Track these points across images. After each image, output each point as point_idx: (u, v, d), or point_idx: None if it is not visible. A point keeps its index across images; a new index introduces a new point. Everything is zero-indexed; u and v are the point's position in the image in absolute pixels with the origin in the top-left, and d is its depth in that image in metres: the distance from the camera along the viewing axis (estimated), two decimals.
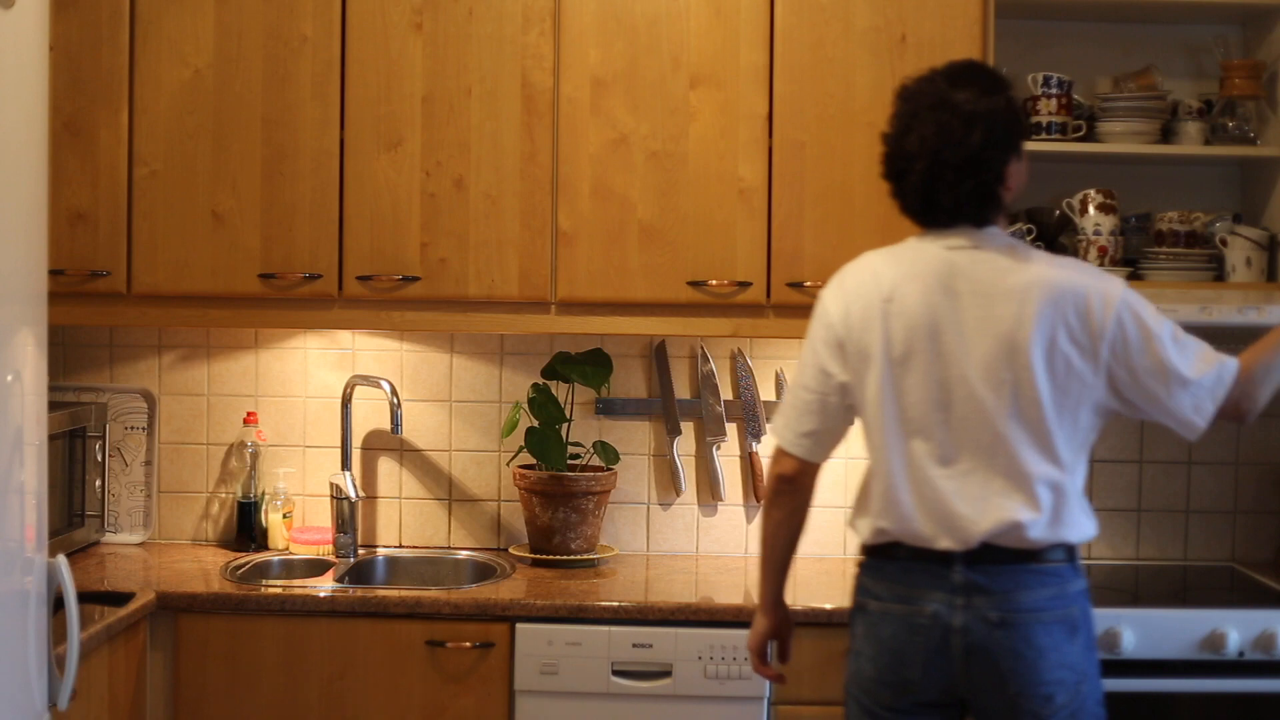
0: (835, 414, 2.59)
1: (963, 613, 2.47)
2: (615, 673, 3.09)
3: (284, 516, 3.61)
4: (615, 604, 3.11)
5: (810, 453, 2.61)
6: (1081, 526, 2.51)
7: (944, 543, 2.48)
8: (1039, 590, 2.47)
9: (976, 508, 2.46)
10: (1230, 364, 2.51)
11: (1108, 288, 2.51)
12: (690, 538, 3.68)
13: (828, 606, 3.10)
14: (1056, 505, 2.47)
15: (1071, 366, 2.47)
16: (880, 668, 2.53)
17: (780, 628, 2.74)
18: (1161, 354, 2.48)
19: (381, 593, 3.18)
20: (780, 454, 2.63)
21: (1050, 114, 3.40)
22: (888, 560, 2.55)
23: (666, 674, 3.08)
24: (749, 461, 3.66)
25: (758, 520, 3.67)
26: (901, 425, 2.51)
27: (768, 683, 3.06)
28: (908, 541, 2.51)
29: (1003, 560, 2.47)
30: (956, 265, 2.52)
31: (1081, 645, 2.50)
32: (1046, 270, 2.51)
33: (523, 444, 3.52)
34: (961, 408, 2.47)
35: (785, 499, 2.66)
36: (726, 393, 3.67)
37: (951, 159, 2.50)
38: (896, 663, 2.51)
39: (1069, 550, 2.51)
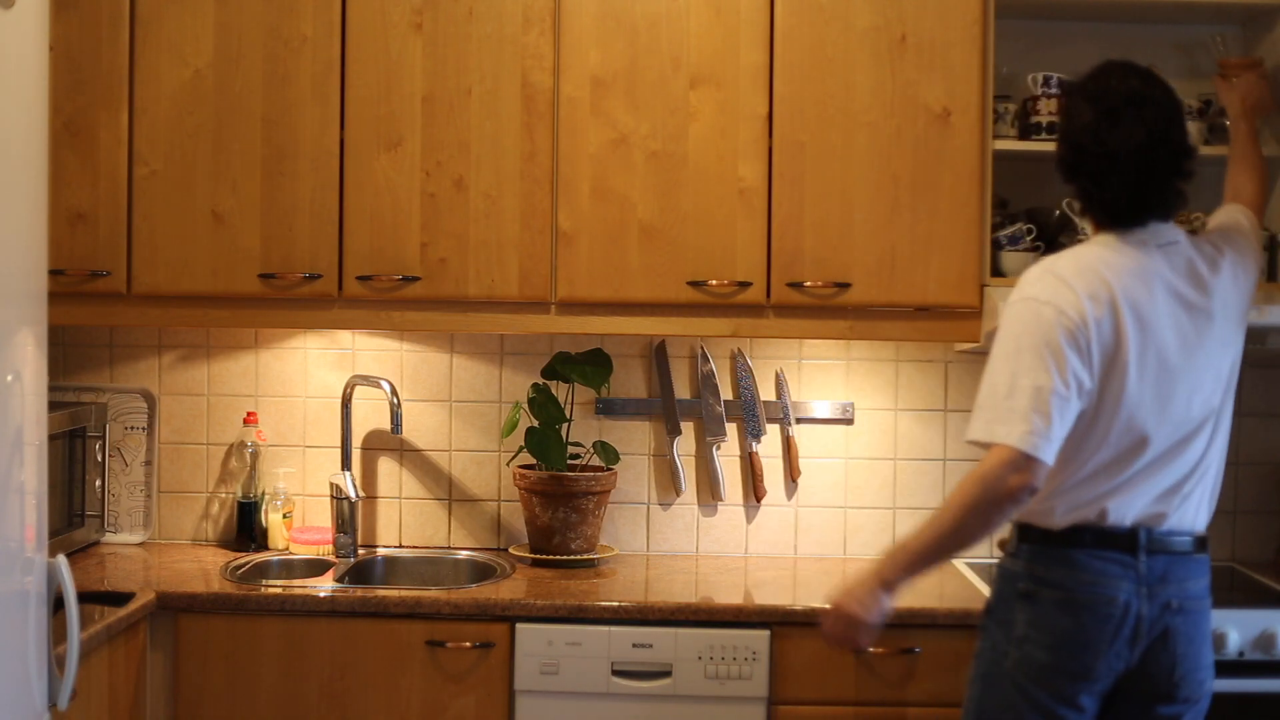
0: (1075, 415, 2.49)
1: (1147, 601, 2.52)
2: (615, 673, 3.09)
3: (284, 516, 3.61)
4: (615, 604, 3.11)
5: (1051, 457, 2.46)
6: (1211, 515, 2.63)
7: (1137, 529, 2.53)
8: (1201, 579, 2.58)
9: (1167, 499, 2.54)
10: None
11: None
12: (690, 538, 3.68)
13: (828, 606, 3.09)
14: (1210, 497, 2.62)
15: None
16: (1059, 655, 2.52)
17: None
18: None
19: (381, 593, 3.18)
20: (1026, 461, 2.42)
21: (1050, 114, 3.39)
22: (1071, 548, 2.53)
23: (666, 674, 3.08)
24: (749, 461, 3.66)
25: (758, 520, 3.68)
26: (1144, 417, 2.51)
27: (768, 683, 3.06)
28: (1106, 527, 2.52)
29: (1176, 550, 2.54)
30: (1170, 262, 2.57)
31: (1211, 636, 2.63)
32: (1222, 269, 2.63)
33: (523, 444, 3.52)
34: (1179, 402, 2.53)
35: (1018, 509, 2.50)
36: (726, 393, 3.67)
37: (1163, 155, 2.54)
38: (1079, 649, 2.52)
39: (1204, 541, 2.61)
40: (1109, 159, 2.53)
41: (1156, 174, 2.54)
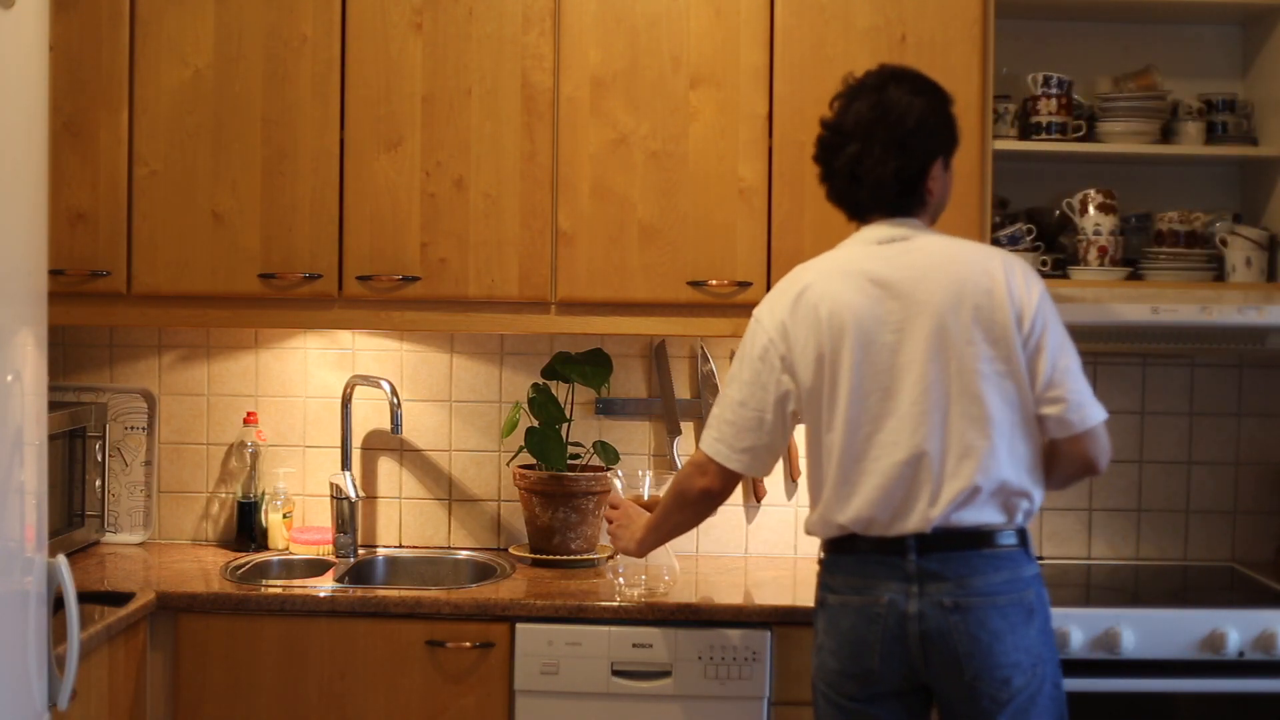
0: (775, 429, 2.64)
1: (918, 600, 2.52)
2: (615, 673, 3.09)
3: (284, 516, 3.61)
4: (615, 604, 3.11)
5: (748, 467, 2.69)
6: (1020, 509, 2.56)
7: (899, 530, 2.53)
8: (991, 575, 2.52)
9: (931, 498, 2.53)
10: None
11: (1019, 270, 2.63)
12: (690, 538, 3.68)
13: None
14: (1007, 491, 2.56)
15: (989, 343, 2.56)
16: (842, 659, 2.58)
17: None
18: (1053, 358, 2.58)
19: (381, 593, 3.18)
20: (711, 466, 2.70)
21: (1050, 114, 3.40)
22: (845, 554, 2.61)
23: (666, 674, 3.08)
24: None
25: (758, 520, 3.68)
26: (856, 421, 2.54)
27: (768, 683, 3.06)
28: (864, 533, 2.57)
29: (956, 545, 2.52)
30: (883, 259, 2.60)
31: (1038, 629, 2.54)
32: (963, 256, 2.60)
33: (523, 444, 3.52)
34: (907, 395, 2.52)
35: (705, 510, 2.83)
36: None
37: (880, 138, 2.59)
38: (857, 653, 2.56)
39: (1020, 534, 2.57)
40: (840, 136, 2.65)
41: (872, 155, 2.60)
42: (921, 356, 2.53)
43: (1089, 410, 2.56)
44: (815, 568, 3.53)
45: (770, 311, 2.65)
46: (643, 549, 2.95)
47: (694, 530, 3.67)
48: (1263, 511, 3.67)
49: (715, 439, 2.69)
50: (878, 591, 2.54)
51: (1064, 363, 2.56)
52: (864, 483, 2.55)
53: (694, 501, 2.78)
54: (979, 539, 2.53)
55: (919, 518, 2.53)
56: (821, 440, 2.60)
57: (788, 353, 2.60)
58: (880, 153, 2.61)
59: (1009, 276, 2.57)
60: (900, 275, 2.57)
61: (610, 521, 3.06)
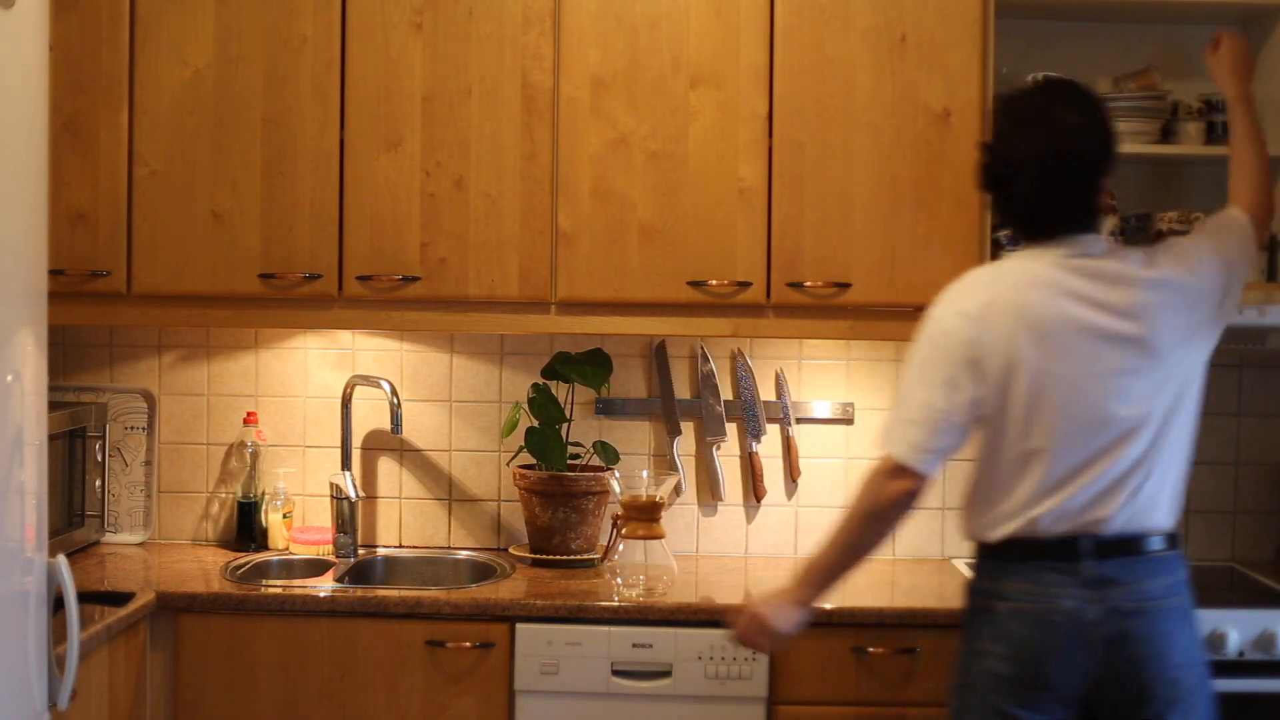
0: (961, 431, 2.58)
1: (1097, 605, 2.52)
2: (615, 673, 3.09)
3: (284, 516, 3.61)
4: (615, 604, 3.11)
5: (932, 469, 2.58)
6: (1176, 514, 2.62)
7: (1076, 533, 2.54)
8: (1163, 578, 2.56)
9: (1106, 502, 2.54)
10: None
11: None
12: (690, 538, 3.68)
13: (828, 606, 3.10)
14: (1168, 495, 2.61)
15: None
16: (1015, 666, 2.54)
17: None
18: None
19: (381, 593, 3.18)
20: (902, 471, 2.56)
21: None
22: (1017, 560, 2.57)
23: (666, 674, 3.08)
24: (749, 461, 3.66)
25: (758, 520, 3.68)
26: (1048, 426, 2.53)
27: (768, 683, 3.06)
28: (1044, 536, 2.55)
29: (1130, 551, 2.55)
30: (1082, 272, 2.57)
31: (1194, 629, 2.60)
32: (1152, 272, 2.60)
33: (523, 444, 3.52)
34: (1093, 408, 2.53)
35: (902, 515, 2.61)
36: (726, 393, 3.67)
37: (1063, 167, 2.57)
38: (1033, 660, 2.53)
39: (1173, 539, 2.61)
40: (1012, 168, 2.60)
41: (1058, 186, 2.58)
42: (1122, 366, 2.54)
43: None
44: None
45: (961, 315, 2.58)
46: (807, 600, 2.69)
47: (694, 530, 3.69)
48: (1263, 511, 3.67)
49: (903, 440, 2.57)
50: (1056, 598, 2.53)
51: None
52: (1056, 490, 2.54)
53: (889, 510, 2.59)
54: (1149, 543, 2.57)
55: (1099, 523, 2.54)
56: (1011, 446, 2.56)
57: (982, 357, 2.54)
58: (1062, 185, 2.58)
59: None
60: (1093, 287, 2.56)
61: (743, 630, 2.72)
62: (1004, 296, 2.56)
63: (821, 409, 3.67)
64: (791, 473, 3.66)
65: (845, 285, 3.28)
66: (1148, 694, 2.52)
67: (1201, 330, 2.62)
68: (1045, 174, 2.57)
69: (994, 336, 2.53)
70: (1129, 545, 2.54)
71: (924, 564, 3.62)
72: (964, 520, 2.69)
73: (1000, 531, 2.58)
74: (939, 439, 2.55)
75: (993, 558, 2.62)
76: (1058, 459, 2.53)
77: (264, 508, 3.62)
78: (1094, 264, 2.58)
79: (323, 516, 3.65)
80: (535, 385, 3.57)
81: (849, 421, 3.67)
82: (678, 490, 3.66)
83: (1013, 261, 2.67)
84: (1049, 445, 2.53)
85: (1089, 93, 2.66)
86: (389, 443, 3.68)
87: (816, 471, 3.68)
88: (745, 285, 3.28)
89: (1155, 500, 2.56)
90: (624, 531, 3.24)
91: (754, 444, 3.66)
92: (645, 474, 3.34)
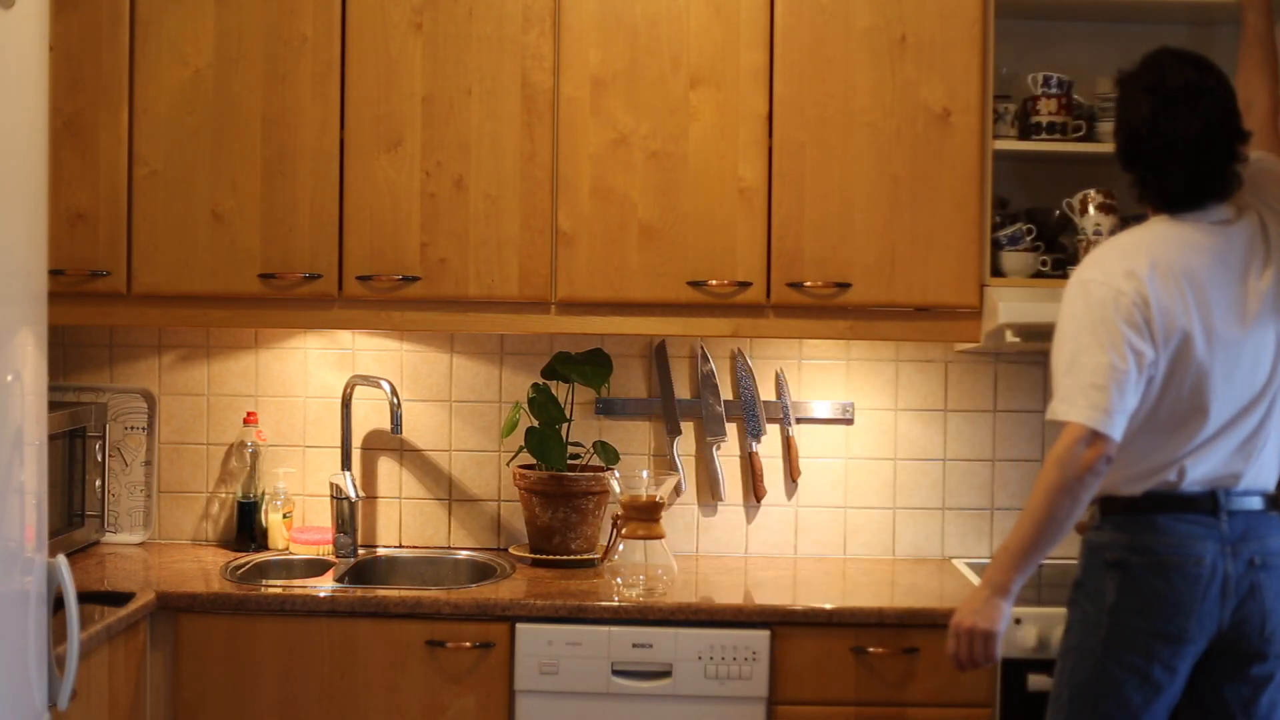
0: (1140, 391, 2.57)
1: (1232, 559, 2.57)
2: (615, 673, 3.09)
3: (284, 516, 3.61)
4: (615, 604, 3.11)
5: (1121, 431, 2.54)
6: (1277, 476, 2.69)
7: (1217, 491, 2.59)
8: (1276, 536, 2.63)
9: (1238, 461, 2.61)
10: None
11: None
12: (690, 538, 3.68)
13: (827, 606, 3.10)
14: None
15: None
16: (1152, 618, 2.57)
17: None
18: None
19: (381, 593, 3.18)
20: (1094, 436, 2.50)
21: (1050, 114, 3.40)
22: (1156, 513, 2.60)
23: (666, 674, 3.08)
24: (749, 461, 3.66)
25: (758, 520, 3.68)
26: (1210, 385, 2.58)
27: (768, 683, 3.06)
28: (1184, 492, 2.59)
29: (1256, 507, 2.61)
30: (1224, 235, 2.63)
31: None
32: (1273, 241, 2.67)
33: (523, 444, 3.52)
34: (1243, 369, 2.60)
35: (1097, 482, 2.55)
36: (726, 393, 3.67)
37: (1219, 142, 2.61)
38: (1172, 612, 2.56)
39: (1276, 500, 2.67)
40: (1166, 149, 2.63)
41: (1213, 161, 2.62)
42: (1262, 328, 2.61)
43: None
44: (815, 567, 3.55)
45: (1126, 277, 2.57)
46: (1010, 588, 2.60)
47: (694, 530, 3.69)
48: None
49: (1090, 406, 2.52)
50: (1198, 550, 2.57)
51: None
52: (1206, 446, 2.59)
53: (1086, 477, 2.52)
54: (1263, 500, 2.64)
55: (1234, 479, 2.61)
56: (1168, 404, 2.58)
57: (1152, 317, 2.56)
58: (1217, 158, 2.62)
59: None
60: (1239, 251, 2.63)
61: (959, 652, 2.64)
62: (1167, 258, 2.60)
63: (821, 409, 3.67)
64: (791, 473, 3.66)
65: (845, 285, 3.28)
66: (1266, 647, 2.59)
67: None
68: (1203, 151, 2.61)
69: (1163, 297, 2.57)
70: (1251, 503, 2.61)
71: (924, 564, 3.62)
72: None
73: (1141, 486, 2.61)
74: (1124, 400, 2.54)
75: (1127, 511, 2.63)
76: (1213, 418, 2.58)
77: (264, 508, 3.62)
78: (1231, 229, 2.64)
79: (323, 516, 3.65)
80: (535, 385, 3.57)
81: (849, 421, 3.67)
82: (678, 490, 3.66)
83: (1160, 226, 2.68)
84: (1208, 404, 2.58)
85: (1215, 68, 2.67)
86: (389, 443, 3.68)
87: (816, 471, 3.67)
88: (745, 285, 3.29)
89: (1267, 459, 2.64)
90: (624, 531, 3.24)
91: (754, 444, 3.66)
92: (645, 474, 3.34)
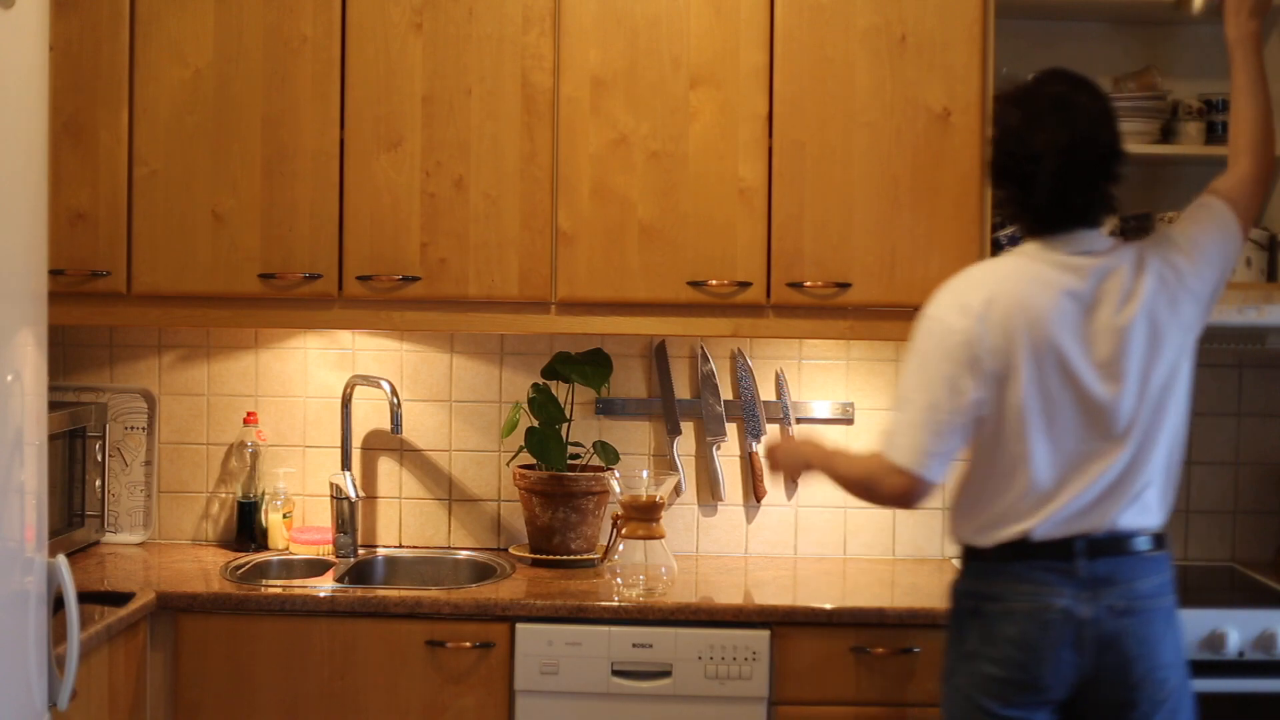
0: (964, 432, 2.54)
1: (1091, 605, 2.50)
2: (615, 673, 3.09)
3: (284, 516, 3.61)
4: (615, 604, 3.11)
5: (936, 473, 2.54)
6: (1166, 514, 2.60)
7: (1069, 535, 2.51)
8: (1154, 578, 2.55)
9: (1102, 504, 2.52)
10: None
11: None
12: (690, 538, 3.68)
13: (827, 606, 3.10)
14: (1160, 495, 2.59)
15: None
16: (1009, 668, 2.52)
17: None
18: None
19: (381, 593, 3.18)
20: (901, 472, 2.52)
21: None
22: (1010, 560, 2.54)
23: (666, 674, 3.08)
24: (749, 461, 3.66)
25: (758, 520, 3.68)
26: (1043, 428, 2.50)
27: (768, 683, 3.06)
28: (1041, 539, 2.52)
29: (1121, 550, 2.53)
30: (1081, 269, 2.54)
31: (1179, 629, 2.59)
32: (1145, 277, 2.56)
33: (523, 444, 3.52)
34: (1091, 410, 2.50)
35: (900, 507, 2.65)
36: (726, 393, 3.67)
37: (1087, 157, 2.52)
38: (1028, 661, 2.51)
39: (1161, 539, 2.59)
40: (1033, 160, 2.53)
41: (1080, 176, 2.53)
42: (1118, 368, 2.51)
43: None
44: (815, 567, 3.55)
45: (960, 314, 2.52)
46: (813, 469, 2.75)
47: (694, 530, 3.69)
48: (1263, 511, 3.67)
49: (905, 446, 2.53)
50: (1050, 598, 2.50)
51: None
52: (1056, 491, 2.51)
53: (883, 499, 2.62)
54: (1139, 543, 2.54)
55: (1093, 522, 2.51)
56: (1007, 448, 2.52)
57: (982, 356, 2.50)
58: (1084, 175, 2.53)
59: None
60: (1097, 287, 2.53)
61: (774, 456, 2.82)
62: (1005, 294, 2.52)
63: (821, 409, 3.67)
64: None
65: (845, 285, 3.28)
66: (1135, 694, 2.51)
67: (1190, 329, 2.59)
68: (1068, 165, 2.52)
69: (995, 335, 2.49)
70: (1120, 545, 2.53)
71: (924, 564, 3.62)
72: (952, 523, 2.66)
73: (991, 536, 2.55)
74: (942, 442, 2.52)
75: (982, 559, 2.59)
76: (1053, 462, 2.50)
77: (264, 508, 3.62)
78: (1093, 262, 2.55)
79: (323, 516, 3.65)
80: (535, 385, 3.57)
81: (849, 421, 3.67)
82: (678, 490, 3.66)
83: (1012, 259, 2.63)
84: (1038, 449, 2.50)
85: (1095, 82, 2.61)
86: (389, 443, 3.68)
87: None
88: (745, 285, 3.29)
89: (1145, 500, 2.54)
90: (624, 531, 3.24)
91: (754, 444, 3.66)
92: (645, 474, 3.34)
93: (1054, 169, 2.52)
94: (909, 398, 2.55)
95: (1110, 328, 2.51)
